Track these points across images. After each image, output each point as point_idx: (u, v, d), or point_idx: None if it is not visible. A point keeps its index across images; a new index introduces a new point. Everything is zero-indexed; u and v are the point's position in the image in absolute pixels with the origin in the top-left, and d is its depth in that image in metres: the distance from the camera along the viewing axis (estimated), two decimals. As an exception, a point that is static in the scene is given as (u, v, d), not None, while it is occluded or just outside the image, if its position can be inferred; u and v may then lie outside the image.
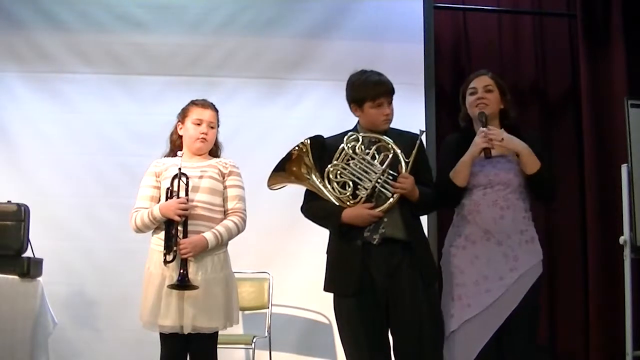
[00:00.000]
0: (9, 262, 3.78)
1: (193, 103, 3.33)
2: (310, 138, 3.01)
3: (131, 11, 4.84)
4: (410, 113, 4.65)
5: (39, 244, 3.95)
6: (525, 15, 5.25)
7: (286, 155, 3.00)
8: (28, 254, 3.86)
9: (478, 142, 3.00)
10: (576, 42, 5.10)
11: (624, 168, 4.36)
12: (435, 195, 3.08)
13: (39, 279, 3.86)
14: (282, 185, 3.10)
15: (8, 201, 3.92)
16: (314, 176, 2.99)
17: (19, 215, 3.85)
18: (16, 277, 3.79)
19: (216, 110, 3.34)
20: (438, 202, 3.14)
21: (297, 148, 2.98)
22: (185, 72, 4.80)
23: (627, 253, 4.27)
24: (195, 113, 3.28)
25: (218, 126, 3.35)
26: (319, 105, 4.78)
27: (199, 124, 3.26)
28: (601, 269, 4.79)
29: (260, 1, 4.92)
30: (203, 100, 3.34)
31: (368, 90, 2.98)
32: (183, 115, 3.31)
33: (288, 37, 4.87)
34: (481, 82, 3.12)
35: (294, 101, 4.85)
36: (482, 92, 3.09)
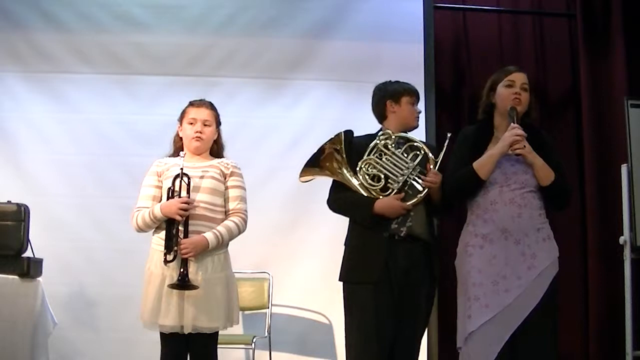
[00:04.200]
0: (9, 262, 3.78)
1: (190, 103, 3.35)
2: (344, 131, 3.13)
3: (131, 11, 4.84)
4: (410, 113, 4.67)
5: (39, 244, 3.95)
6: (525, 15, 5.25)
7: (318, 150, 3.12)
8: (28, 254, 3.86)
9: (507, 138, 2.98)
10: (576, 42, 5.10)
11: (624, 168, 4.36)
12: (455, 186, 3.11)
13: (39, 279, 3.86)
14: (312, 178, 3.21)
15: (8, 201, 3.92)
16: (344, 169, 3.10)
17: (19, 215, 3.85)
18: (16, 277, 3.79)
19: (213, 109, 3.33)
20: (459, 195, 3.13)
21: (329, 142, 3.11)
22: (185, 72, 4.79)
23: (627, 253, 4.27)
24: (191, 113, 3.29)
25: (219, 125, 3.36)
26: (319, 105, 4.78)
27: (193, 124, 3.27)
28: (601, 269, 4.79)
29: (260, 1, 4.92)
30: (200, 100, 3.35)
31: (406, 89, 3.21)
32: (181, 116, 3.33)
33: (288, 37, 4.87)
34: (520, 79, 3.09)
35: (294, 101, 4.85)
36: (519, 88, 3.07)
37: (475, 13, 5.19)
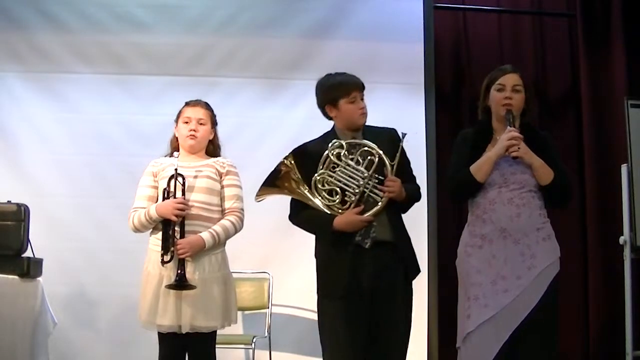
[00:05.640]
0: (9, 262, 3.78)
1: (185, 103, 3.36)
2: (292, 153, 3.03)
3: (131, 11, 4.84)
4: (410, 113, 4.67)
5: (39, 244, 3.95)
6: (525, 15, 5.25)
7: (274, 172, 3.02)
8: (28, 254, 3.86)
9: (503, 141, 2.97)
10: (576, 42, 5.09)
11: (624, 168, 4.36)
12: (418, 188, 3.12)
13: (39, 279, 3.86)
14: (266, 197, 3.11)
15: (8, 201, 3.92)
16: (302, 188, 3.01)
17: (19, 215, 3.85)
18: (16, 277, 3.79)
19: (209, 109, 3.35)
20: (420, 194, 3.15)
21: (282, 164, 3.01)
22: (185, 72, 4.79)
23: (627, 253, 4.27)
24: (186, 112, 3.31)
25: (216, 125, 3.37)
26: (319, 105, 4.77)
27: (187, 122, 3.28)
28: (601, 269, 4.79)
29: (260, 1, 4.92)
30: (195, 100, 3.36)
31: (341, 87, 3.02)
32: (177, 116, 3.35)
33: (288, 37, 4.87)
34: (511, 81, 3.06)
35: (294, 101, 4.84)
36: (510, 92, 3.04)
37: (475, 13, 5.19)
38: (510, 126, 3.00)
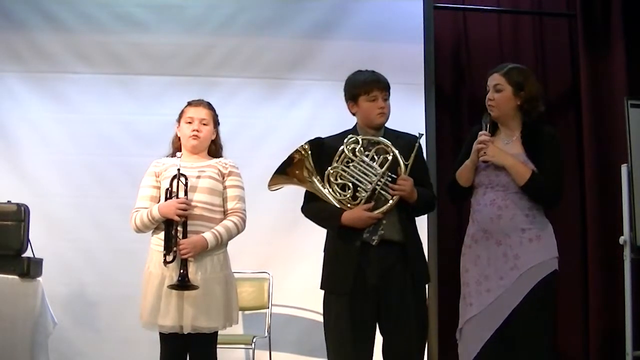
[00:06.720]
0: (9, 262, 3.79)
1: (188, 103, 3.37)
2: (309, 142, 3.04)
3: (131, 11, 4.84)
4: (410, 113, 4.66)
5: (39, 244, 3.95)
6: (525, 15, 5.25)
7: (287, 159, 3.02)
8: (28, 254, 3.86)
9: (475, 145, 3.01)
10: (576, 42, 5.10)
11: (624, 168, 4.36)
12: (433, 196, 3.14)
13: (39, 279, 3.86)
14: (281, 186, 3.13)
15: (8, 201, 3.92)
16: (314, 179, 3.02)
17: (19, 215, 3.85)
18: (16, 277, 3.79)
19: (211, 109, 3.35)
20: (435, 202, 3.19)
21: (297, 152, 3.01)
22: (185, 72, 4.79)
23: (627, 253, 4.27)
24: (188, 112, 3.31)
25: (218, 125, 3.37)
26: (319, 105, 4.78)
27: (190, 122, 3.28)
28: (601, 269, 4.79)
29: (260, 1, 4.92)
30: (198, 100, 3.37)
31: (362, 84, 3.05)
32: (179, 116, 3.35)
33: (288, 37, 4.87)
34: (492, 81, 3.05)
35: (294, 101, 4.85)
36: (491, 92, 3.04)
37: (475, 13, 5.19)
38: (484, 129, 3.01)
